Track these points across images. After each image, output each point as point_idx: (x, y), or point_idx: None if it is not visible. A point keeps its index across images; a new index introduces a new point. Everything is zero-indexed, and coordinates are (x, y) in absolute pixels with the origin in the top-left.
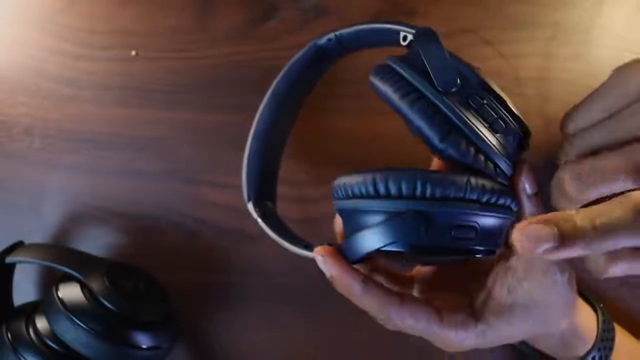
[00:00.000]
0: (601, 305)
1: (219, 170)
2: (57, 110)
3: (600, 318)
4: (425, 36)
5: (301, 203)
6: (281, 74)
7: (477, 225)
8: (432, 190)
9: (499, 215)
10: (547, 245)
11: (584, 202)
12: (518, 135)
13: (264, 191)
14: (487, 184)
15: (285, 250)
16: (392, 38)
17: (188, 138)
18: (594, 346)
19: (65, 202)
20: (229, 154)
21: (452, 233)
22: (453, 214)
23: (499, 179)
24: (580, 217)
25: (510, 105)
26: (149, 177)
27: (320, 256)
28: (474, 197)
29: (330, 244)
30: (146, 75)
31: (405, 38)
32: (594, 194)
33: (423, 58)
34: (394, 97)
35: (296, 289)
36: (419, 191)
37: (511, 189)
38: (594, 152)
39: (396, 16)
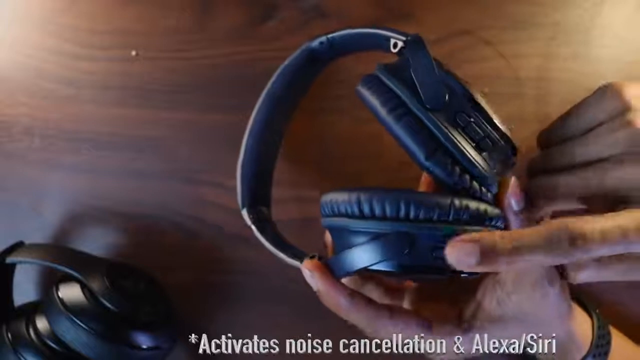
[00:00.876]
0: (597, 310)
1: (218, 170)
2: (57, 110)
3: (596, 324)
4: (415, 46)
5: (299, 204)
6: (275, 75)
7: None
8: (415, 211)
9: None
10: (471, 260)
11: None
12: (505, 153)
13: (258, 196)
14: (472, 204)
15: (267, 250)
16: (383, 44)
17: (188, 138)
18: (588, 352)
19: (65, 202)
20: (228, 154)
21: (435, 254)
22: (436, 235)
23: (484, 198)
24: (500, 238)
25: (498, 123)
26: (149, 177)
27: (307, 270)
28: (458, 218)
29: (320, 257)
30: (146, 75)
31: (395, 45)
32: (548, 208)
33: (411, 72)
34: (381, 110)
35: (295, 289)
36: (402, 212)
37: (498, 206)
38: (562, 169)
39: (394, 18)
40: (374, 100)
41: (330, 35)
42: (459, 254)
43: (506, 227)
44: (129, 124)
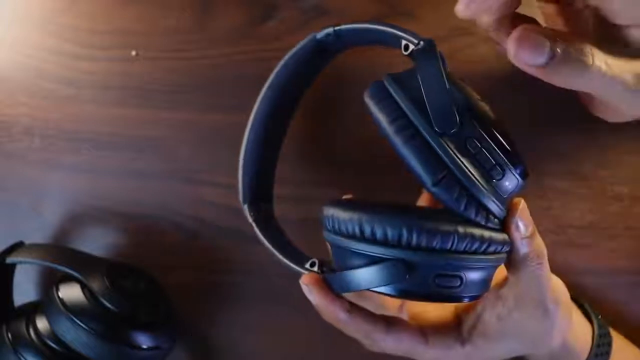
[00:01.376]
0: (599, 316)
1: (218, 170)
2: (57, 110)
3: (597, 332)
4: (426, 58)
5: (302, 203)
6: (278, 66)
7: (462, 275)
8: (417, 239)
9: (486, 264)
10: None
11: None
12: (515, 180)
13: (260, 192)
14: (477, 232)
15: (267, 251)
16: (393, 42)
17: (188, 138)
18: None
19: (65, 202)
20: (228, 154)
21: (437, 281)
22: (438, 264)
23: (490, 225)
24: None
25: (509, 147)
26: (149, 177)
27: (305, 285)
28: (461, 248)
29: (322, 262)
30: (146, 75)
31: (407, 47)
32: None
33: (423, 93)
34: (389, 129)
35: (296, 289)
36: (404, 239)
37: (505, 230)
38: None
39: (394, 17)
40: (381, 117)
41: (337, 28)
42: None
43: (511, 252)
44: (129, 124)
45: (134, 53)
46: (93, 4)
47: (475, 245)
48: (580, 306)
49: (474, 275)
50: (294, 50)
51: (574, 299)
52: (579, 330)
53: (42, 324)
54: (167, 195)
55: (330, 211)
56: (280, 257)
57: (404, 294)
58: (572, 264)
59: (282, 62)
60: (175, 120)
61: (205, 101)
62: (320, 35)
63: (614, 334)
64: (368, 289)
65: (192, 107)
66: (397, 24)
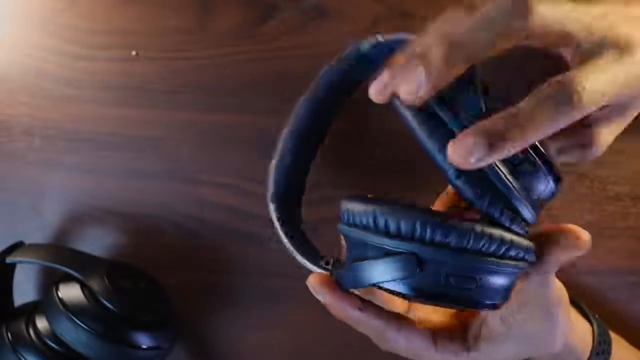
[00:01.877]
0: (596, 316)
1: (219, 170)
2: (57, 110)
3: (596, 331)
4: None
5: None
6: (319, 77)
7: (477, 277)
8: (431, 234)
9: (505, 268)
10: (479, 154)
11: None
12: (546, 181)
13: (290, 196)
14: (496, 233)
15: (285, 249)
16: None
17: (188, 138)
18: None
19: (65, 202)
20: (229, 154)
21: (450, 280)
22: (451, 263)
23: (515, 228)
24: (504, 119)
25: (540, 147)
26: (149, 177)
27: (311, 286)
28: (478, 247)
29: (336, 260)
30: (146, 75)
31: None
32: None
33: (449, 86)
34: (414, 122)
35: (296, 288)
36: (417, 233)
37: (529, 238)
38: None
39: (394, 16)
40: (406, 110)
41: (381, 39)
42: (462, 151)
43: (536, 262)
44: (129, 124)
45: (134, 53)
46: (93, 4)
47: (493, 247)
48: (577, 306)
49: (491, 280)
50: (334, 62)
51: (571, 299)
52: (579, 330)
53: (42, 324)
54: (167, 195)
55: (347, 204)
56: (300, 257)
57: (415, 292)
58: (572, 264)
59: (322, 73)
60: (176, 120)
61: (206, 101)
62: (364, 46)
63: (611, 334)
64: (378, 284)
65: (193, 107)
66: (398, 23)
